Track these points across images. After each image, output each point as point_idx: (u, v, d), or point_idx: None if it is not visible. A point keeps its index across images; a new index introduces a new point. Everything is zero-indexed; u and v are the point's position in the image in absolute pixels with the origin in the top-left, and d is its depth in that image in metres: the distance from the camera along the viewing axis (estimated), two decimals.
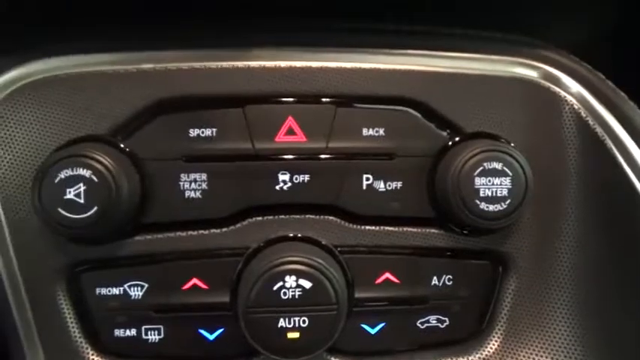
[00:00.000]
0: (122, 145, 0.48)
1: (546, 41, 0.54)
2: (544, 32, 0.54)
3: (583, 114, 0.49)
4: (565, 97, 0.50)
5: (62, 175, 0.45)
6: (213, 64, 0.48)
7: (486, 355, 0.52)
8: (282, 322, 0.46)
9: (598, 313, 0.50)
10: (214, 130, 0.48)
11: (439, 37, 0.51)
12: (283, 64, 0.49)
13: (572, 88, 0.50)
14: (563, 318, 0.51)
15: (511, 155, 0.47)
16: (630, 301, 0.48)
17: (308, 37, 0.50)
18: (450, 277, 0.52)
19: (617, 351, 0.50)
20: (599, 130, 0.48)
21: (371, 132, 0.49)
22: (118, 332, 0.50)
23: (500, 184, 0.47)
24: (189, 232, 0.49)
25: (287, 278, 0.46)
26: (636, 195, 0.46)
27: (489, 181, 0.47)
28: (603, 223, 0.49)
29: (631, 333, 0.49)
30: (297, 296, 0.45)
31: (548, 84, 0.50)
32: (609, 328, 0.50)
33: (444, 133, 0.50)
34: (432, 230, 0.51)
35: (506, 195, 0.47)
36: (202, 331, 0.51)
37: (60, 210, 0.45)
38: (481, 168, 0.47)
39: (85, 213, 0.45)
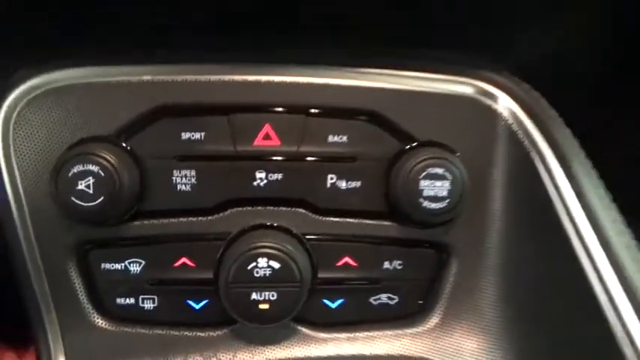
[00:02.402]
0: (124, 145, 0.57)
1: (493, 61, 0.62)
2: (490, 52, 0.63)
3: (514, 128, 0.58)
4: (500, 112, 0.58)
5: (75, 169, 0.54)
6: (203, 78, 0.57)
7: (428, 327, 0.62)
8: (254, 296, 0.55)
9: (520, 301, 0.60)
10: (203, 134, 0.57)
11: (394, 57, 0.59)
12: (263, 78, 0.57)
13: (506, 104, 0.58)
14: (492, 302, 0.61)
15: (451, 162, 0.56)
16: (547, 293, 0.58)
17: (283, 54, 0.59)
18: (400, 262, 0.61)
19: (541, 334, 0.60)
20: (526, 143, 0.57)
21: (336, 139, 0.58)
22: (119, 300, 0.60)
23: (442, 186, 0.56)
24: (180, 219, 0.59)
25: (260, 260, 0.55)
26: (551, 206, 0.55)
27: (432, 183, 0.56)
28: (526, 226, 0.58)
29: (551, 320, 0.58)
30: (267, 275, 0.55)
31: (485, 100, 0.58)
32: (532, 314, 0.60)
33: (398, 141, 0.59)
34: (386, 223, 0.60)
35: (446, 195, 0.56)
36: (190, 302, 0.61)
37: (73, 199, 0.54)
38: (425, 172, 0.56)
39: (94, 201, 0.54)
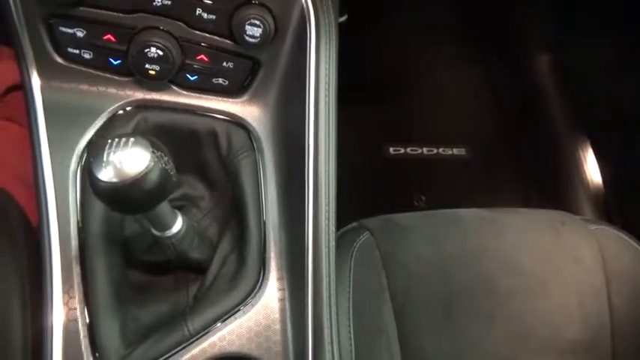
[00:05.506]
0: None
1: None
2: None
3: (304, 7, 1.04)
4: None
5: None
6: None
7: (245, 99, 1.16)
8: (147, 66, 1.03)
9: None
10: None
11: None
12: None
13: None
14: (278, 83, 1.15)
15: (267, 18, 1.03)
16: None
17: None
18: (232, 63, 1.09)
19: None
20: (307, 25, 1.05)
21: None
22: (70, 50, 1.05)
23: (257, 29, 1.04)
24: (110, 12, 1.01)
25: (152, 48, 1.02)
26: (305, 57, 1.07)
27: (252, 27, 1.03)
28: (291, 68, 1.10)
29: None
30: (155, 57, 1.02)
31: None
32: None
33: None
34: (227, 41, 1.07)
35: (259, 35, 1.04)
36: (110, 59, 1.07)
37: None
38: (249, 20, 1.03)
39: None
